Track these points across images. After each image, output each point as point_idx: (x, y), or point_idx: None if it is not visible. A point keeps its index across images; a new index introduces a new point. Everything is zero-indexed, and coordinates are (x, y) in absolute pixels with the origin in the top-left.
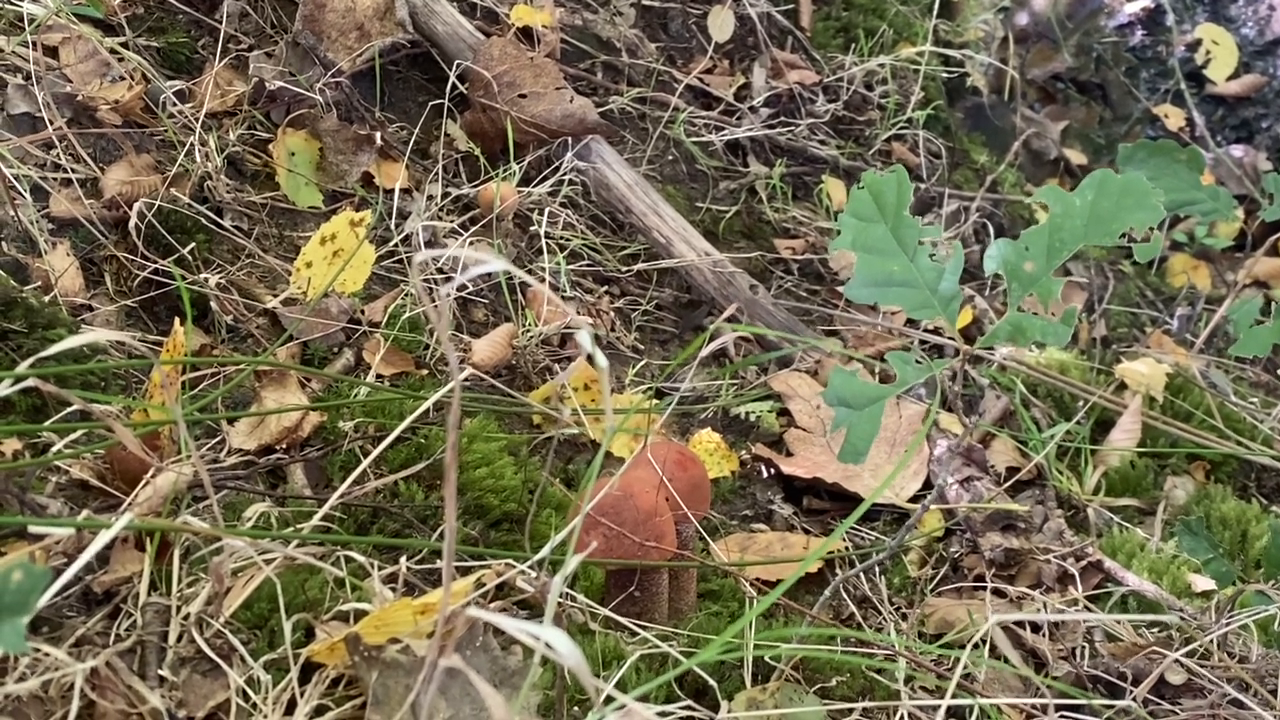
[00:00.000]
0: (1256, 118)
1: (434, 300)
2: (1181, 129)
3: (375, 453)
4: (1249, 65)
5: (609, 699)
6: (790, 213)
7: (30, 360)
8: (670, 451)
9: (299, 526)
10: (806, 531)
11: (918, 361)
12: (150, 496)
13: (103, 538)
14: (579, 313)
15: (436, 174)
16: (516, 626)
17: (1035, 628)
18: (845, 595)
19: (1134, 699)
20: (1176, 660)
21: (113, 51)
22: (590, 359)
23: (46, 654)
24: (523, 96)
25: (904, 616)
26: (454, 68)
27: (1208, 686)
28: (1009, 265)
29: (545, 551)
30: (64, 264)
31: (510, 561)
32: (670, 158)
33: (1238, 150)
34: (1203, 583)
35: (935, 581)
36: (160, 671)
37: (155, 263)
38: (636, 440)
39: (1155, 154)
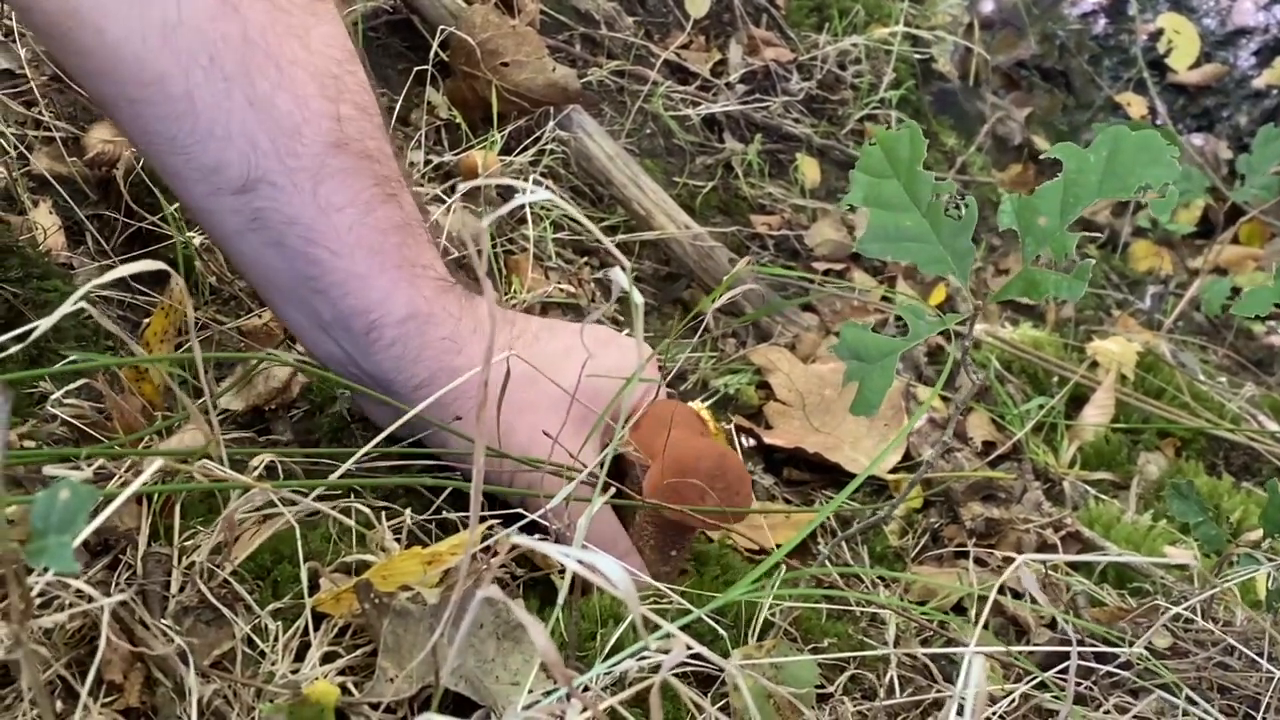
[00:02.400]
0: (1217, 107)
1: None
2: (1144, 117)
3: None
4: (1210, 55)
5: (651, 630)
6: (766, 189)
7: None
8: (687, 412)
9: (303, 482)
10: (788, 501)
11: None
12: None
13: (137, 482)
14: (561, 282)
15: (418, 141)
16: (559, 551)
17: (1017, 594)
18: (829, 564)
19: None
20: (1163, 624)
21: None
22: (625, 297)
23: (64, 589)
24: (505, 65)
25: (887, 585)
26: (436, 34)
27: (1193, 650)
28: (1023, 220)
29: (559, 499)
30: (47, 221)
31: (522, 510)
32: (648, 131)
33: (1199, 139)
34: (1178, 555)
35: (916, 551)
36: (164, 621)
37: (139, 222)
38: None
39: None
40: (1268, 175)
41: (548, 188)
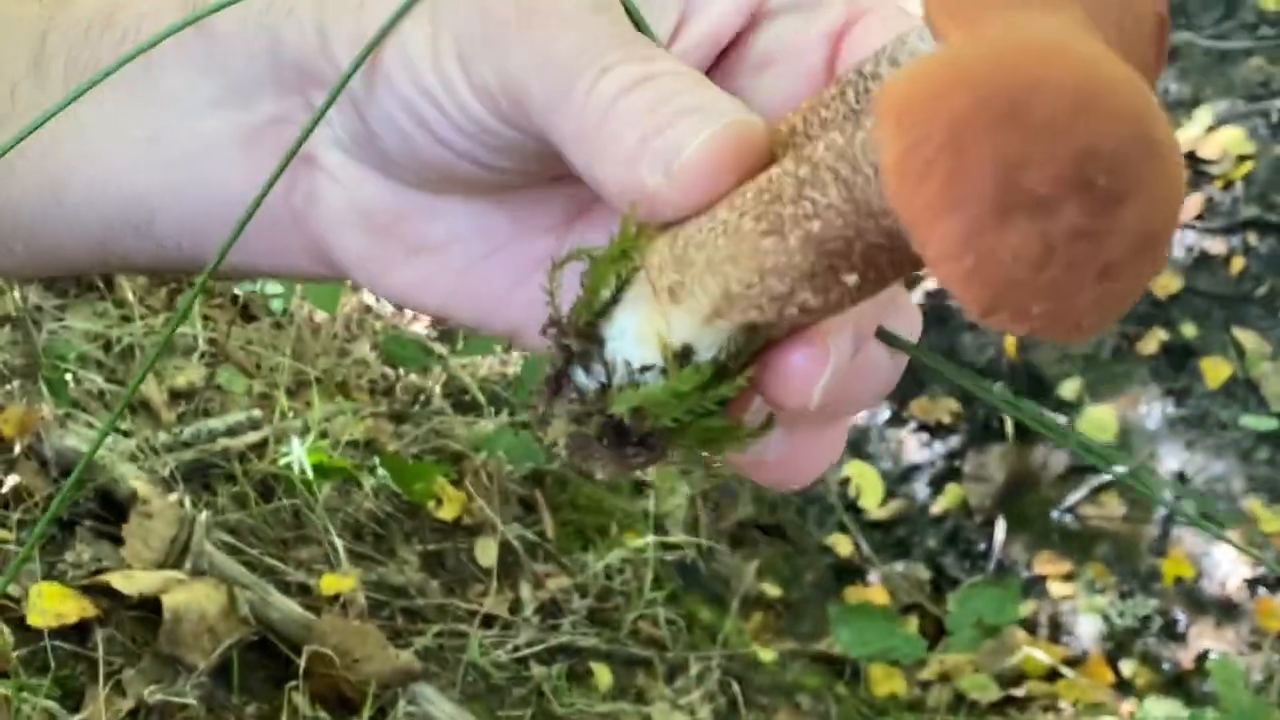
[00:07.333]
0: (909, 535)
1: None
2: (851, 554)
3: None
4: (893, 492)
5: None
6: (575, 705)
7: None
8: None
9: None
10: None
11: None
12: None
13: None
14: None
15: None
16: None
17: None
18: None
19: None
20: None
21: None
22: None
23: None
24: (356, 661)
25: None
26: (299, 651)
27: None
28: None
29: None
30: None
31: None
32: (470, 679)
33: (900, 565)
34: None
35: None
36: None
37: None
38: None
39: (857, 612)
40: (968, 629)
41: None
